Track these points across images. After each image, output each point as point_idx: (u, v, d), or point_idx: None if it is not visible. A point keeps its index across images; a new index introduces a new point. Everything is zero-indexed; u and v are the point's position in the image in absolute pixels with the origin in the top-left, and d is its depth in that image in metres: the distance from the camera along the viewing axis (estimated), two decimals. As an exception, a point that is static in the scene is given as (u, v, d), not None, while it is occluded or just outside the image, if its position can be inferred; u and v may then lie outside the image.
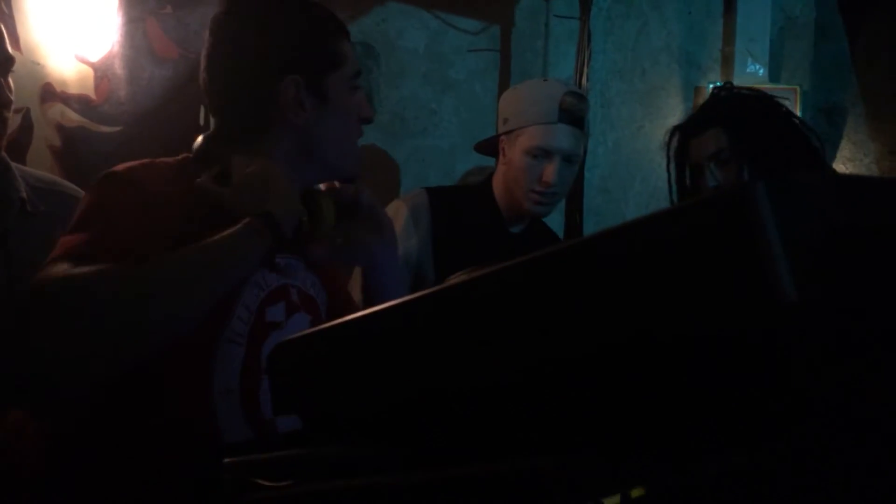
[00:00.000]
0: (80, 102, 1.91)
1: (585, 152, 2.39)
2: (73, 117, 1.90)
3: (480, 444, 0.56)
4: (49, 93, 1.89)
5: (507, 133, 1.80)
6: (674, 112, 2.69)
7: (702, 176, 1.58)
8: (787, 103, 2.60)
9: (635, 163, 2.70)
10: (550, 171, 1.73)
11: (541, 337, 0.48)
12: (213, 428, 0.98)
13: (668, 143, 1.64)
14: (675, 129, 1.66)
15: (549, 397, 0.53)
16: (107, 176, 1.04)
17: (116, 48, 1.95)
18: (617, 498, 0.51)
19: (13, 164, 1.43)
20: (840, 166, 2.74)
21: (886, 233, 0.42)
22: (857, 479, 0.48)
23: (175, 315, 0.90)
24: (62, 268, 0.89)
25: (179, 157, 1.13)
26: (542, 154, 1.74)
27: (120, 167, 1.06)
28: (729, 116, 1.57)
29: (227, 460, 0.61)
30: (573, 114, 1.75)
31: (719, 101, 1.65)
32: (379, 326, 0.57)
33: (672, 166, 1.64)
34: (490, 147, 1.90)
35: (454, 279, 0.58)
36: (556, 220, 2.55)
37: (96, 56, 1.94)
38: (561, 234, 2.47)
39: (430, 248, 1.77)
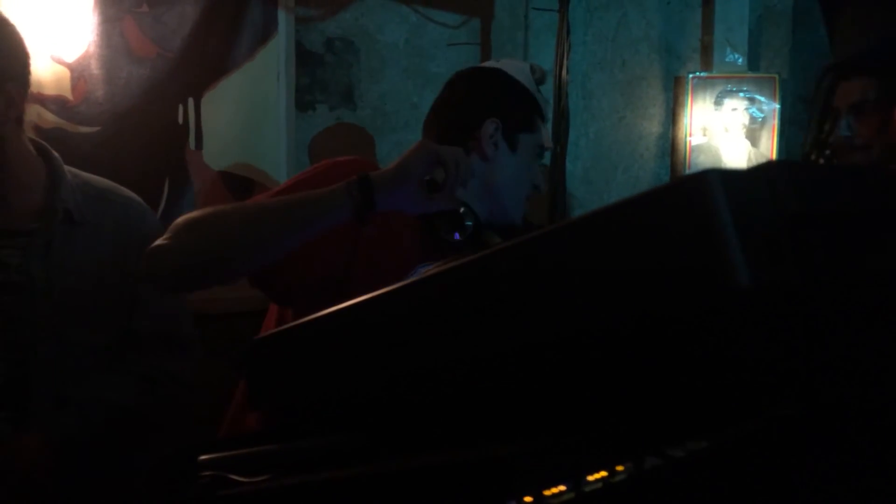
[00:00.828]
0: (57, 103, 1.90)
1: (566, 143, 2.39)
2: (50, 118, 1.89)
3: (457, 432, 0.56)
4: (25, 94, 1.87)
5: None
6: (654, 102, 2.70)
7: (838, 124, 1.44)
8: (766, 92, 2.64)
9: (617, 153, 2.71)
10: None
11: (508, 325, 0.48)
12: None
13: (819, 83, 1.49)
14: (828, 68, 1.52)
15: (520, 383, 0.53)
16: (329, 160, 1.26)
17: (93, 48, 1.94)
18: (601, 477, 0.51)
19: (70, 170, 1.43)
20: (820, 153, 2.76)
21: (842, 219, 0.42)
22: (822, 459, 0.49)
23: (262, 243, 1.08)
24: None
25: None
26: None
27: (343, 158, 1.26)
28: (886, 67, 1.43)
29: (202, 457, 0.61)
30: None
31: (883, 49, 1.49)
32: (349, 321, 0.58)
33: (814, 108, 1.50)
34: None
35: (425, 273, 0.58)
36: (538, 213, 2.55)
37: (72, 56, 1.92)
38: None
39: None
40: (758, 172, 0.39)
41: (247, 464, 0.60)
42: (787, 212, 0.39)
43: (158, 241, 1.09)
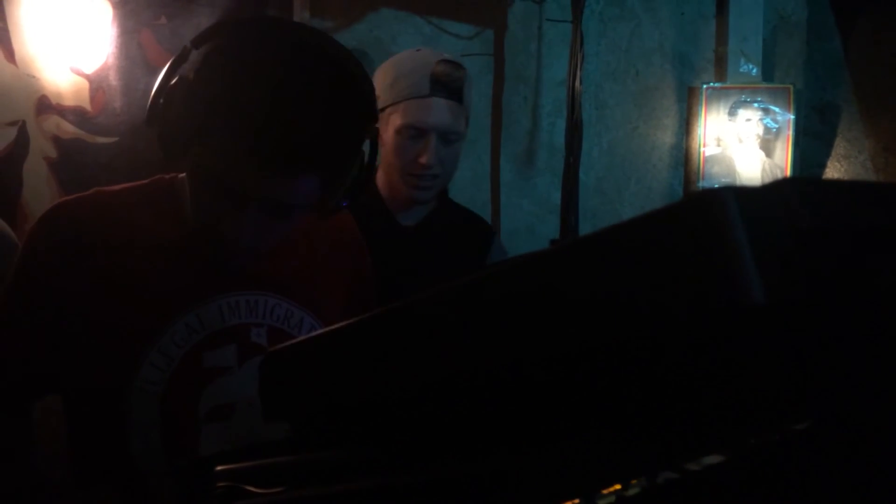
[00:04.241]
0: (76, 114, 1.92)
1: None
2: (69, 129, 1.91)
3: (472, 445, 0.56)
4: (44, 105, 1.90)
5: (379, 112, 1.54)
6: (668, 113, 2.70)
7: None
8: (780, 102, 2.63)
9: (630, 164, 2.71)
10: (426, 151, 1.53)
11: (524, 338, 0.48)
12: (137, 477, 0.95)
13: None
14: None
15: (535, 396, 0.54)
16: (36, 224, 1.15)
17: (111, 59, 1.96)
18: (612, 495, 0.51)
19: None
20: (835, 163, 2.74)
21: (854, 235, 0.43)
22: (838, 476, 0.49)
23: None
24: None
25: None
26: (415, 133, 1.54)
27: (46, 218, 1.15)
28: None
29: (218, 468, 0.61)
30: (447, 85, 1.53)
31: None
32: (358, 336, 0.58)
33: None
34: None
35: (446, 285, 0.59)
36: (552, 223, 2.56)
37: (91, 68, 1.95)
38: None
39: None
40: (771, 189, 0.39)
41: (263, 475, 0.60)
42: (800, 228, 0.39)
43: None
